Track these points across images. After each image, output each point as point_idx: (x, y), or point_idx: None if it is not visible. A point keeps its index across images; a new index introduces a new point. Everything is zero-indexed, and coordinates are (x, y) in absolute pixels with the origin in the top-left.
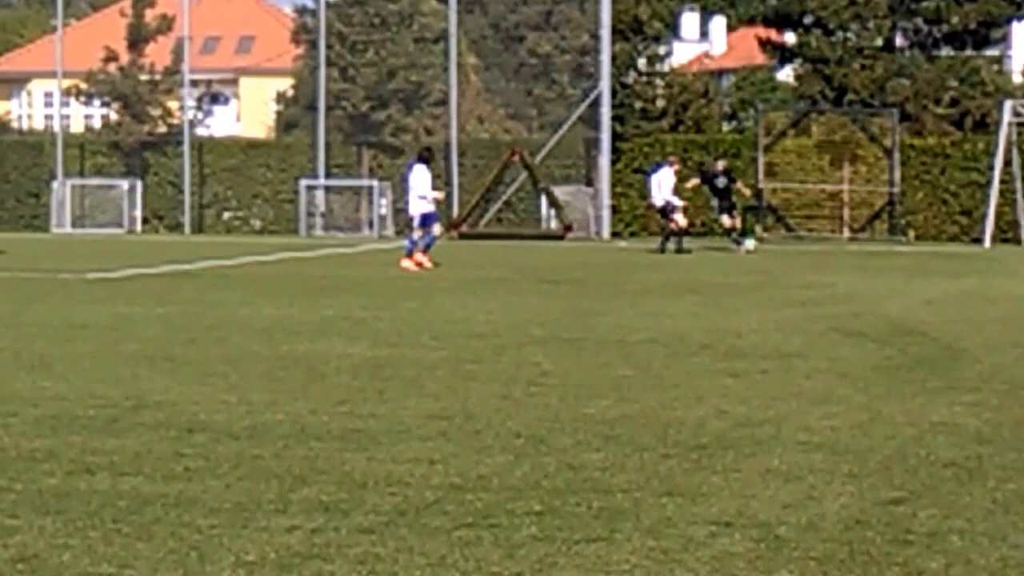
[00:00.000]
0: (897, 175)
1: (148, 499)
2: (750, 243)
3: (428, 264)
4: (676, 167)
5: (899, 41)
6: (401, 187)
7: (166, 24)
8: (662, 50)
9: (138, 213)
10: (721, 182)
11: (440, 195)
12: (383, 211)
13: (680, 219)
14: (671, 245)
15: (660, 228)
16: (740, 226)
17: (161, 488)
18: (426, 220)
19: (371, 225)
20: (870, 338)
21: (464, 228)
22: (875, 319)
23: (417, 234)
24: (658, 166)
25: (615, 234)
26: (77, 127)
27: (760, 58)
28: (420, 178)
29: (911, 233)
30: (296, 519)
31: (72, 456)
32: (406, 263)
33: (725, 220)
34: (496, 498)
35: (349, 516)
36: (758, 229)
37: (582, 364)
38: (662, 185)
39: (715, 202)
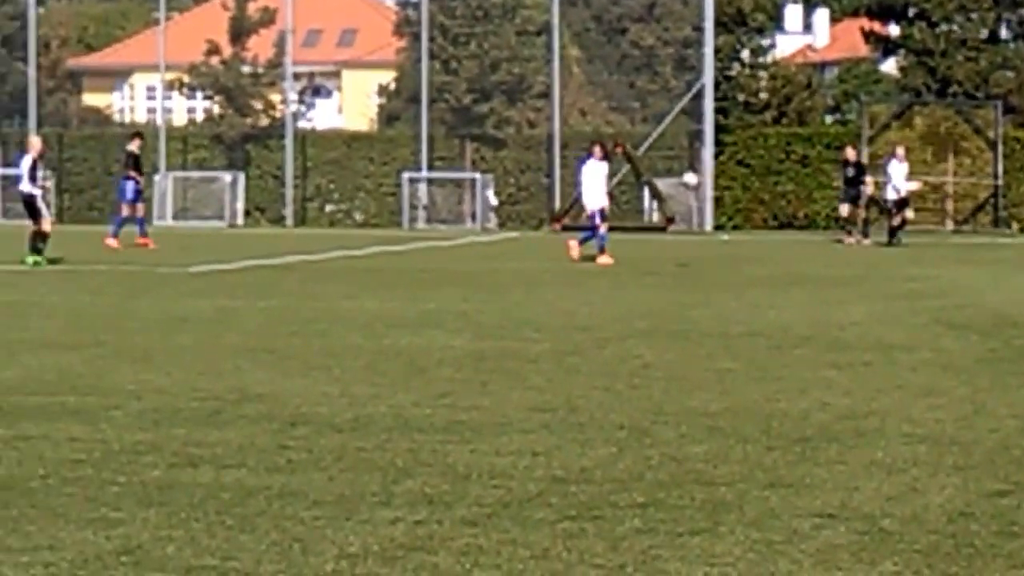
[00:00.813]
0: (1000, 167)
1: (251, 491)
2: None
3: (576, 255)
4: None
5: (1003, 33)
6: (573, 181)
7: (268, 17)
8: (765, 42)
9: (240, 206)
10: (849, 172)
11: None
12: (493, 201)
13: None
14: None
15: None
16: (858, 217)
17: (264, 480)
18: (603, 215)
19: (474, 218)
20: (974, 330)
21: (566, 221)
22: (979, 311)
23: (604, 228)
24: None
25: (718, 227)
26: (179, 120)
27: (863, 50)
28: (599, 173)
29: (1015, 225)
30: (399, 511)
31: (175, 449)
32: (603, 259)
33: (843, 209)
34: (599, 490)
35: (452, 508)
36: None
37: (685, 356)
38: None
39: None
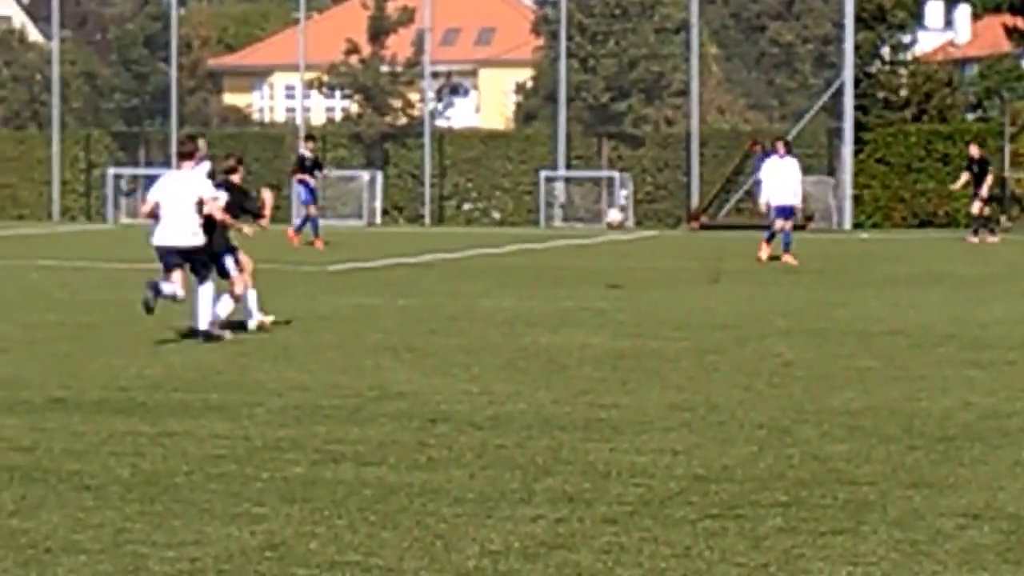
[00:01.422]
0: None
1: (393, 488)
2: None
3: (765, 256)
4: None
5: None
6: (753, 178)
7: (407, 16)
8: (906, 39)
9: (378, 205)
10: (975, 169)
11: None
12: (623, 202)
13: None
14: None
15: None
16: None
17: (405, 477)
18: (786, 213)
19: None
20: None
21: (704, 219)
22: None
23: (780, 224)
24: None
25: (857, 225)
26: (318, 119)
27: (1006, 46)
28: (781, 170)
29: None
30: (540, 508)
31: (317, 445)
32: (787, 258)
33: (974, 207)
34: (741, 489)
35: (593, 506)
36: (1003, 219)
37: (825, 355)
38: None
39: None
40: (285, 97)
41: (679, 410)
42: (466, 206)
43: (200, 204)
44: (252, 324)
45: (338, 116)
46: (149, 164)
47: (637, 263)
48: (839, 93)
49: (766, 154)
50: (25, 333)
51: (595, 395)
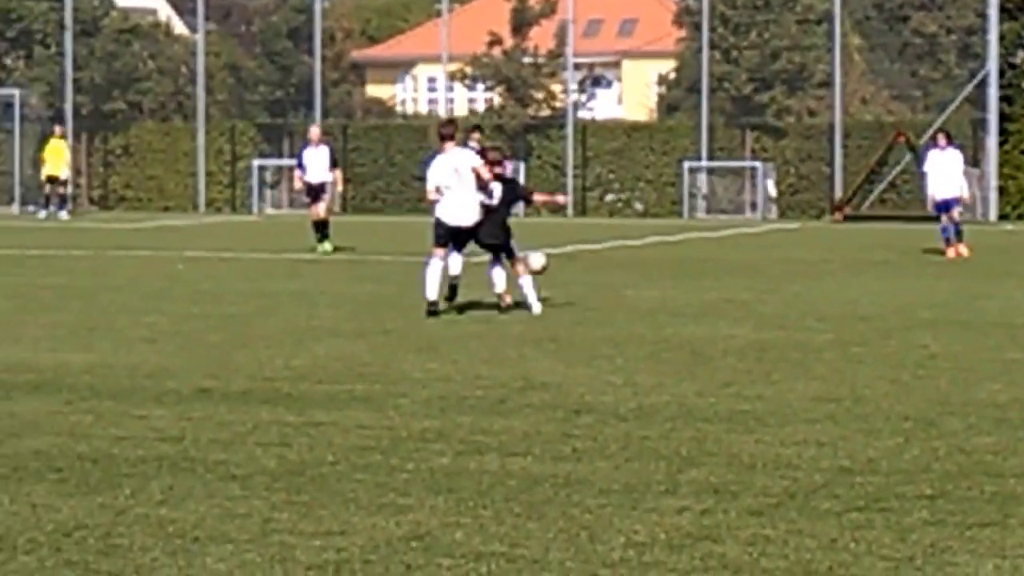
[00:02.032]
0: None
1: (538, 479)
2: None
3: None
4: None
5: None
6: (917, 169)
7: (549, 8)
8: None
9: None
10: None
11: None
12: (772, 192)
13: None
14: None
15: None
16: None
17: (550, 468)
18: (949, 206)
19: (754, 207)
20: None
21: (847, 210)
22: None
23: (945, 219)
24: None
25: (1002, 216)
26: (461, 111)
27: None
28: (944, 162)
29: None
30: (685, 500)
31: (461, 436)
32: (952, 252)
33: None
34: (886, 481)
35: (738, 498)
36: None
37: (971, 347)
38: None
39: None
40: (428, 89)
41: (824, 402)
42: (609, 197)
43: (478, 176)
44: (536, 308)
45: (480, 108)
46: (293, 156)
47: (780, 254)
48: (983, 84)
49: (929, 146)
50: (172, 324)
51: (739, 387)
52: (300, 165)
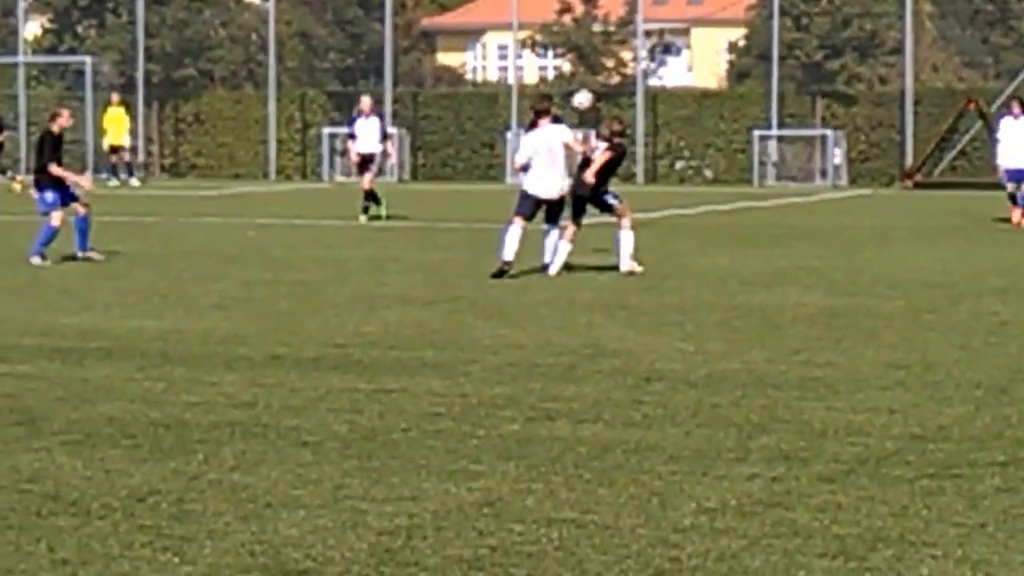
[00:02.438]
0: None
1: (608, 446)
2: None
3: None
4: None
5: None
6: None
7: None
8: None
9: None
10: None
11: None
12: (837, 160)
13: None
14: None
15: None
16: None
17: (620, 435)
18: (1019, 176)
19: (824, 175)
20: None
21: (918, 177)
22: None
23: (1011, 187)
24: None
25: None
26: (531, 78)
27: None
28: (1017, 131)
29: None
30: (756, 467)
31: (532, 403)
32: (1017, 216)
33: None
34: (957, 448)
35: (809, 465)
36: None
37: None
38: None
39: None
40: (498, 57)
41: (894, 369)
42: (679, 165)
43: (569, 151)
44: (624, 267)
45: (550, 75)
46: None
47: (851, 222)
48: None
49: (999, 115)
50: (243, 291)
51: (809, 353)
52: (352, 136)
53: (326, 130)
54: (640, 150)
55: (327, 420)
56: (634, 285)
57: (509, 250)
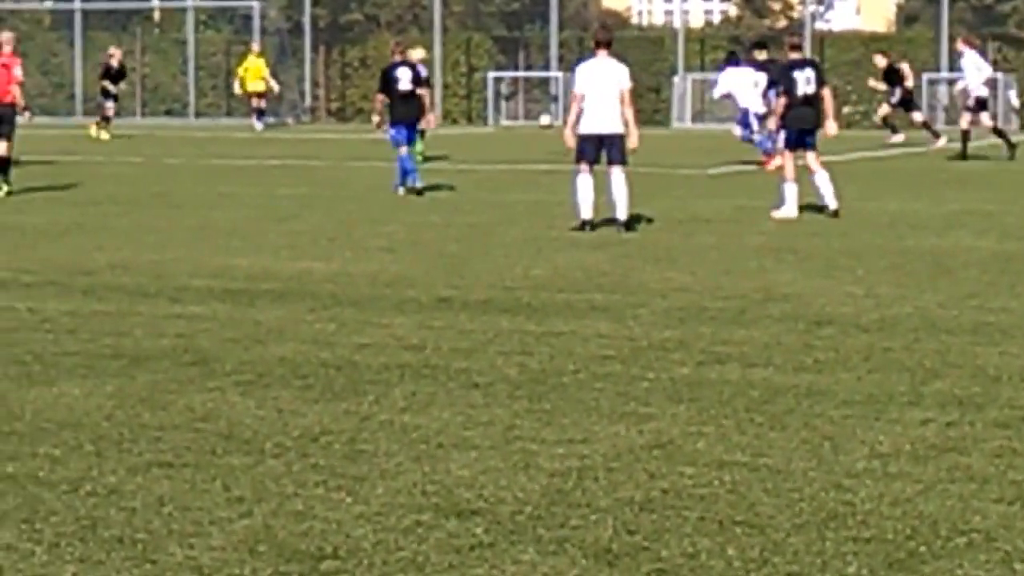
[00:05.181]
0: None
1: (779, 389)
2: None
3: None
4: None
5: None
6: None
7: None
8: None
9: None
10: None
11: None
12: (1016, 103)
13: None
14: None
15: None
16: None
17: (791, 379)
18: None
19: (995, 118)
20: None
21: None
22: None
23: None
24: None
25: None
26: (696, 22)
27: None
28: None
29: None
30: (929, 412)
31: (702, 346)
32: None
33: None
34: None
35: (983, 410)
36: None
37: None
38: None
39: None
40: (664, 0)
41: None
42: (846, 109)
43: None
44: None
45: (716, 19)
46: (529, 68)
47: (1023, 166)
48: None
49: None
50: (410, 233)
51: (983, 298)
52: (419, 81)
53: (491, 74)
54: None
55: (496, 362)
56: (802, 230)
57: (584, 208)
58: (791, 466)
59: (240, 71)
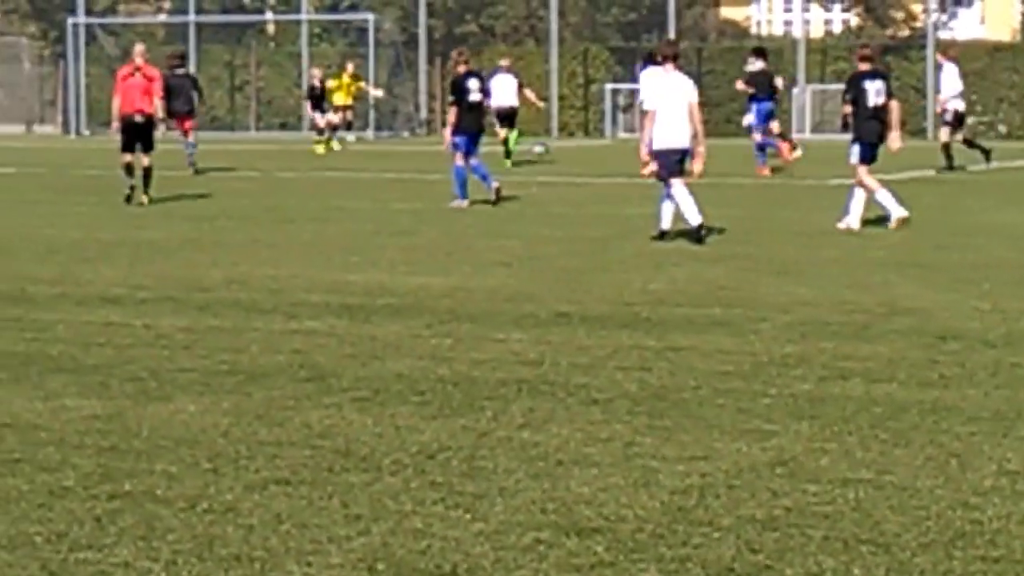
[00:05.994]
0: None
1: (904, 405)
2: None
3: None
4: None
5: None
6: None
7: None
8: None
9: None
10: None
11: None
12: None
13: None
14: None
15: None
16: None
17: (916, 395)
18: None
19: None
20: None
21: None
22: None
23: None
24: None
25: None
26: (817, 32)
27: None
28: None
29: None
30: None
31: (824, 362)
32: None
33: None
34: None
35: None
36: None
37: None
38: None
39: None
40: (783, 10)
41: None
42: (970, 120)
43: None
44: (893, 219)
45: (837, 29)
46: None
47: None
48: None
49: None
50: (527, 247)
51: None
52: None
53: (608, 86)
54: (930, 105)
55: (616, 378)
56: (925, 242)
57: (665, 219)
58: (917, 483)
59: (332, 86)
